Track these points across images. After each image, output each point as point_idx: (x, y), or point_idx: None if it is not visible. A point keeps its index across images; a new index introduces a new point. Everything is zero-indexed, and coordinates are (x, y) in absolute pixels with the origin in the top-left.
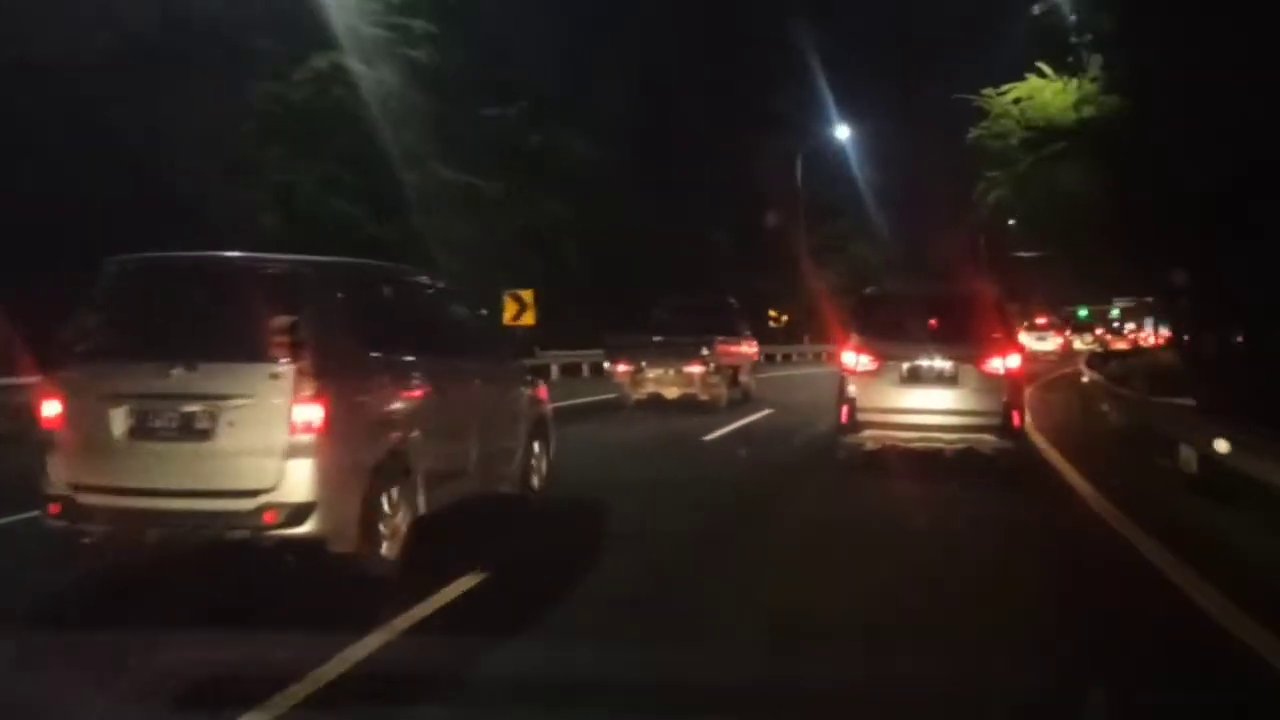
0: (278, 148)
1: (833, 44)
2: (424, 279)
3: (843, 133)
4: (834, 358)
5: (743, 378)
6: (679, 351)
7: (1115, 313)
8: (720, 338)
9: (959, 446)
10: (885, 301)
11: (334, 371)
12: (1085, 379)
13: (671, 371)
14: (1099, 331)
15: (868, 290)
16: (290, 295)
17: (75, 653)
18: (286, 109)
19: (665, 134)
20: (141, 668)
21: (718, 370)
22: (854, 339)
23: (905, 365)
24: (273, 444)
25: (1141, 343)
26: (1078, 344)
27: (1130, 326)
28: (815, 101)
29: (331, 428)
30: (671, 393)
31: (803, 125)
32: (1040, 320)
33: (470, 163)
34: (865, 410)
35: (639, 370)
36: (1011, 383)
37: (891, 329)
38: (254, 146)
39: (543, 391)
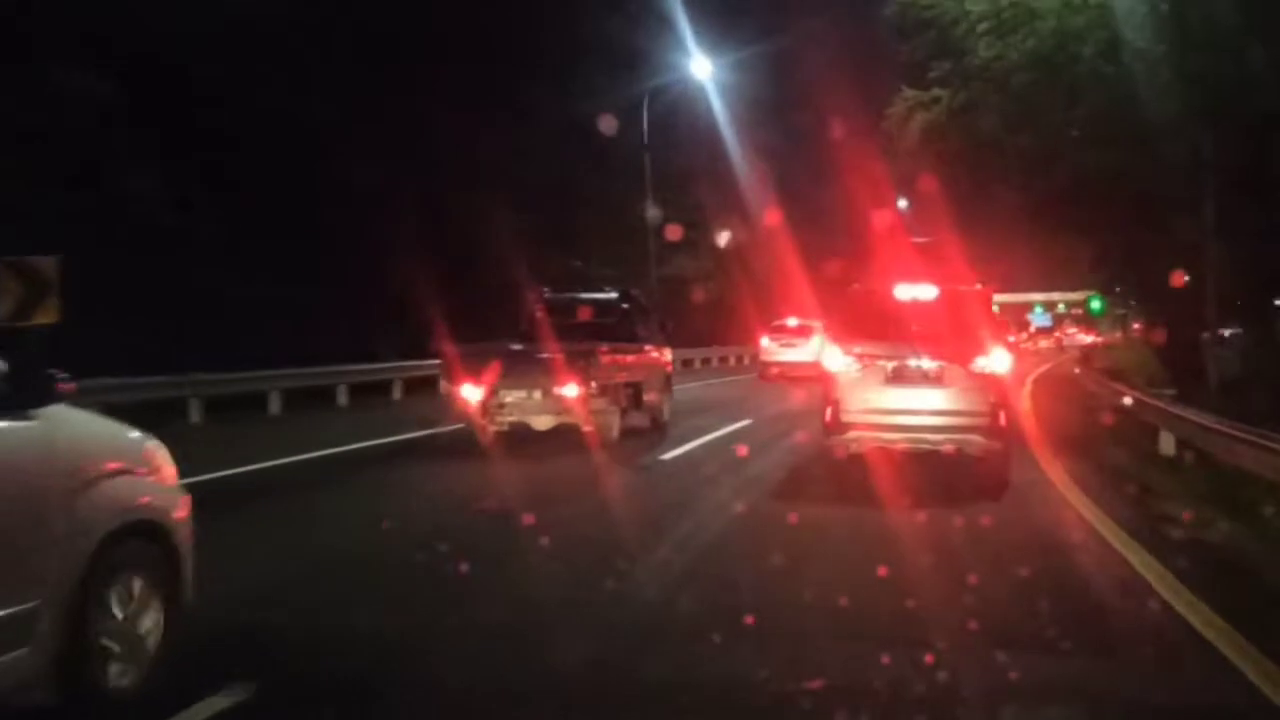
0: None
1: None
2: None
3: (702, 69)
4: (698, 366)
5: (649, 398)
6: (547, 365)
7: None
8: (607, 345)
9: (945, 448)
10: (869, 299)
11: None
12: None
13: (538, 394)
14: (1032, 330)
15: (852, 287)
16: None
17: None
18: None
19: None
20: None
21: (604, 391)
22: (838, 338)
23: (890, 365)
24: None
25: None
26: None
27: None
28: (667, 24)
29: None
30: (542, 422)
31: (651, 56)
32: None
33: None
34: (851, 411)
35: (492, 393)
36: (999, 382)
37: (876, 328)
38: None
39: (160, 467)
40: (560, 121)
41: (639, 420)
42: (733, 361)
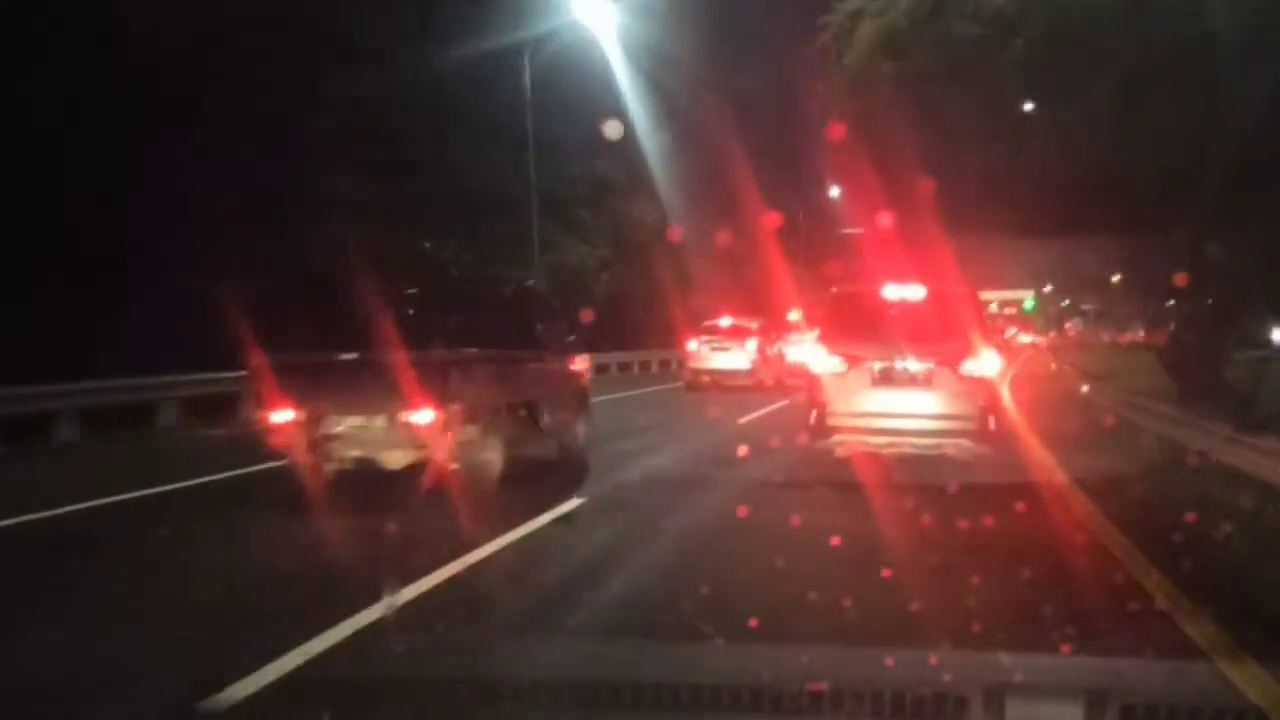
0: None
1: None
2: None
3: (598, 10)
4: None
5: (554, 420)
6: (390, 382)
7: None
8: (478, 350)
9: (933, 451)
10: (855, 300)
11: None
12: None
13: (380, 420)
14: None
15: (837, 289)
16: None
17: None
18: None
19: None
20: None
21: (473, 416)
22: (823, 339)
23: (877, 367)
24: None
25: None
26: None
27: None
28: None
29: None
30: (393, 459)
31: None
32: None
33: None
34: (836, 414)
35: (316, 420)
36: (988, 385)
37: (862, 329)
38: None
39: None
40: (414, 69)
41: (543, 449)
42: (637, 369)
